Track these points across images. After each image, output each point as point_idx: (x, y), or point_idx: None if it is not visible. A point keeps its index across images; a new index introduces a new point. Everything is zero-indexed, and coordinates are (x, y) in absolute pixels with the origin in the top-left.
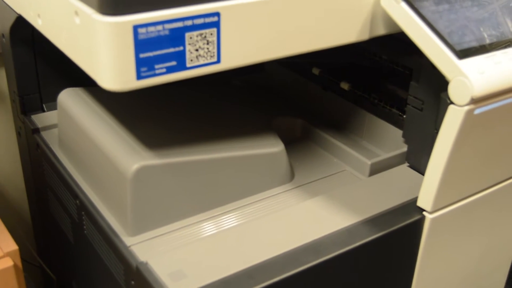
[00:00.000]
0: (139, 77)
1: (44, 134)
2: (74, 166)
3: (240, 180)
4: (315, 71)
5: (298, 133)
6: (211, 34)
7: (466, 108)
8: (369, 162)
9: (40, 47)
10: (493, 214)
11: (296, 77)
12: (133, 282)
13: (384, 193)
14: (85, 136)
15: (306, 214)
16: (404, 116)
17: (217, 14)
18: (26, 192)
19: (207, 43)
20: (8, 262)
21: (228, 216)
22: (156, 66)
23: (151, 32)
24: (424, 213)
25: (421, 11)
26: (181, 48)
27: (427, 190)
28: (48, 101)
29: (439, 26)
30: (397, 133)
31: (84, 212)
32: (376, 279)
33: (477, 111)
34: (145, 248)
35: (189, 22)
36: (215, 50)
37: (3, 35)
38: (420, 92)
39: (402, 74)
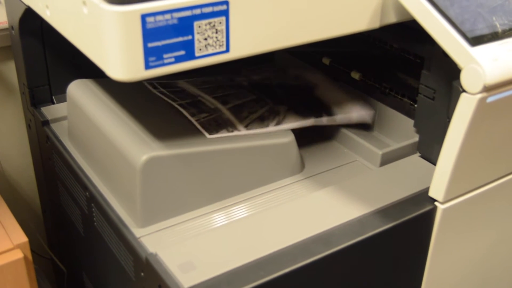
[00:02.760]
0: (148, 66)
1: (54, 126)
2: (84, 158)
3: (250, 170)
4: (325, 61)
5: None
6: (220, 22)
7: (479, 96)
8: (380, 152)
9: (49, 39)
10: (505, 205)
11: (306, 68)
12: (142, 274)
13: (396, 183)
14: (95, 127)
15: (316, 205)
16: (416, 106)
17: (226, 2)
18: (36, 185)
19: (216, 32)
20: (18, 254)
21: (238, 207)
22: (165, 56)
23: (159, 21)
24: (436, 203)
25: None
26: (190, 37)
27: (439, 180)
28: (58, 93)
29: (451, 13)
30: (409, 122)
31: (93, 204)
32: (387, 269)
33: (489, 99)
34: (155, 239)
35: (197, 11)
36: (224, 39)
37: (12, 28)
38: (431, 80)
39: (413, 63)
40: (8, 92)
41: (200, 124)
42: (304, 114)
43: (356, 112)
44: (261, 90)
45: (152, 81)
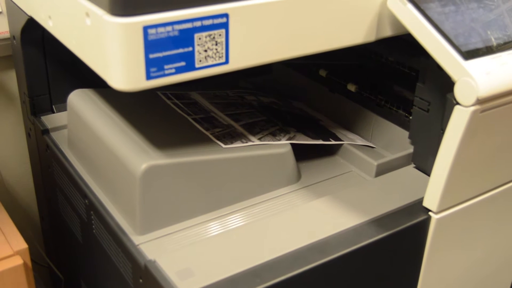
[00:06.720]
0: (149, 77)
1: (53, 135)
2: (83, 167)
3: (247, 180)
4: (322, 73)
5: None
6: (220, 35)
7: (472, 108)
8: (375, 163)
9: (50, 49)
10: (499, 215)
11: (303, 79)
12: (141, 280)
13: (390, 193)
14: (95, 136)
15: (312, 214)
16: (410, 117)
17: (226, 15)
18: (35, 193)
19: (216, 44)
20: (18, 261)
21: (235, 216)
22: (166, 67)
23: (161, 33)
24: (430, 213)
25: (427, 12)
26: (190, 48)
27: (433, 191)
28: (58, 102)
29: (445, 28)
30: (403, 134)
31: (93, 211)
32: (382, 279)
33: (483, 112)
34: (153, 246)
35: (198, 23)
36: (224, 51)
37: (14, 37)
38: (426, 93)
39: (409, 76)
40: (9, 100)
41: (215, 137)
42: (312, 137)
43: (361, 140)
44: (271, 113)
45: (165, 91)
